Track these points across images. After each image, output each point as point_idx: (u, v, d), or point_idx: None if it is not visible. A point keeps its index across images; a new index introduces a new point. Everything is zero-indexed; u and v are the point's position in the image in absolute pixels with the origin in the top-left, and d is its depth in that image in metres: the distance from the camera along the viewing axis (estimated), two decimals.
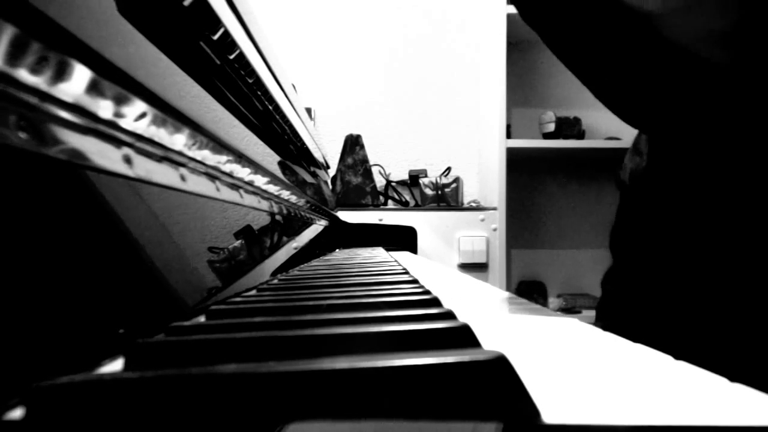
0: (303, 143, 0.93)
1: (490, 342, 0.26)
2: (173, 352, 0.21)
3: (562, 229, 2.05)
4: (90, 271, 0.24)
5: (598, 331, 0.29)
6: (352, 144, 1.81)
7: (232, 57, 0.49)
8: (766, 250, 0.46)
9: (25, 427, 0.15)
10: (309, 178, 0.96)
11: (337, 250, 1.30)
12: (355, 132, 1.84)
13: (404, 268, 0.59)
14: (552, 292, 1.99)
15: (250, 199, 0.54)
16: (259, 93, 0.62)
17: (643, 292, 0.56)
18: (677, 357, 0.22)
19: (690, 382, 0.19)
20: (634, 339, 0.27)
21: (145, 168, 0.29)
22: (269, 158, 0.59)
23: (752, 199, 0.46)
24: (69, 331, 0.22)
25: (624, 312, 0.58)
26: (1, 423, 0.16)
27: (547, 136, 1.84)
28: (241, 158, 0.44)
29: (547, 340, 0.27)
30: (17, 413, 0.16)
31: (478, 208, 1.78)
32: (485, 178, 1.91)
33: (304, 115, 1.00)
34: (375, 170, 1.93)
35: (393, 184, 1.98)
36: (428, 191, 1.84)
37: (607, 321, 0.38)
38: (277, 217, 0.70)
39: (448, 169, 1.97)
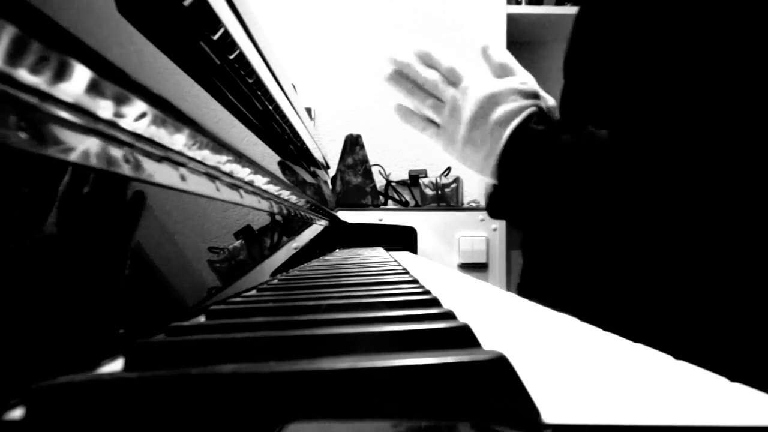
0: (303, 143, 0.93)
1: (490, 342, 0.26)
2: (173, 353, 0.21)
3: None
4: (90, 271, 0.24)
5: (598, 331, 0.29)
6: (352, 144, 1.81)
7: (232, 57, 0.49)
8: (761, 248, 0.46)
9: (25, 427, 0.15)
10: (309, 178, 0.96)
11: (337, 250, 1.30)
12: (355, 132, 1.84)
13: (404, 268, 0.59)
14: None
15: (250, 199, 0.54)
16: (259, 93, 0.62)
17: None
18: (676, 356, 0.22)
19: (690, 382, 0.19)
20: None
21: (145, 168, 0.29)
22: (269, 158, 0.59)
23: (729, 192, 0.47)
24: (69, 331, 0.22)
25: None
26: (1, 423, 0.16)
27: None
28: (241, 158, 0.44)
29: (547, 340, 0.27)
30: (17, 413, 0.16)
31: (478, 208, 1.78)
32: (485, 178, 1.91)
33: (304, 115, 1.00)
34: (375, 170, 1.93)
35: (393, 184, 1.98)
36: (428, 191, 1.84)
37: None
38: (277, 217, 0.70)
39: (448, 169, 1.97)
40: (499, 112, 0.53)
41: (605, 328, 0.29)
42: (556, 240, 0.61)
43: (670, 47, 0.53)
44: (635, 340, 0.25)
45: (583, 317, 0.32)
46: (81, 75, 0.21)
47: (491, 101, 0.54)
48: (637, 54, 0.57)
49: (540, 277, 0.66)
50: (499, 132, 0.53)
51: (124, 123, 0.26)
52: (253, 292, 0.45)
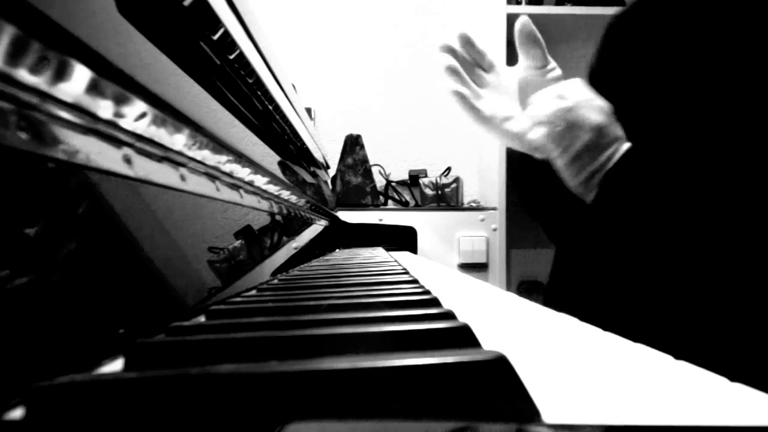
0: (303, 143, 0.93)
1: (490, 342, 0.26)
2: (173, 352, 0.21)
3: None
4: (90, 271, 0.24)
5: (598, 331, 0.29)
6: (352, 144, 1.81)
7: (232, 57, 0.49)
8: (761, 248, 0.46)
9: (25, 427, 0.15)
10: (309, 178, 0.96)
11: (337, 250, 1.30)
12: (355, 132, 1.84)
13: (404, 268, 0.59)
14: None
15: (250, 199, 0.54)
16: (259, 93, 0.62)
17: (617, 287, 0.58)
18: (676, 356, 0.22)
19: (690, 382, 0.19)
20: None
21: (145, 168, 0.29)
22: (269, 158, 0.59)
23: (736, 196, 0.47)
24: (69, 331, 0.22)
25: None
26: (1, 423, 0.16)
27: None
28: (241, 158, 0.44)
29: (547, 340, 0.27)
30: (17, 413, 0.16)
31: (478, 208, 1.78)
32: (485, 178, 1.91)
33: (304, 115, 1.00)
34: (375, 170, 1.93)
35: (393, 184, 1.98)
36: (428, 191, 1.84)
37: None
38: (277, 217, 0.70)
39: (448, 169, 1.97)
40: (617, 127, 0.55)
41: (605, 328, 0.29)
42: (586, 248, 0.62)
43: (719, 70, 0.53)
44: (635, 340, 0.25)
45: (584, 317, 0.32)
46: (81, 75, 0.21)
47: (611, 115, 0.56)
48: (679, 75, 0.57)
49: (566, 278, 0.68)
50: (619, 144, 0.54)
51: (124, 123, 0.26)
52: (253, 292, 0.45)
